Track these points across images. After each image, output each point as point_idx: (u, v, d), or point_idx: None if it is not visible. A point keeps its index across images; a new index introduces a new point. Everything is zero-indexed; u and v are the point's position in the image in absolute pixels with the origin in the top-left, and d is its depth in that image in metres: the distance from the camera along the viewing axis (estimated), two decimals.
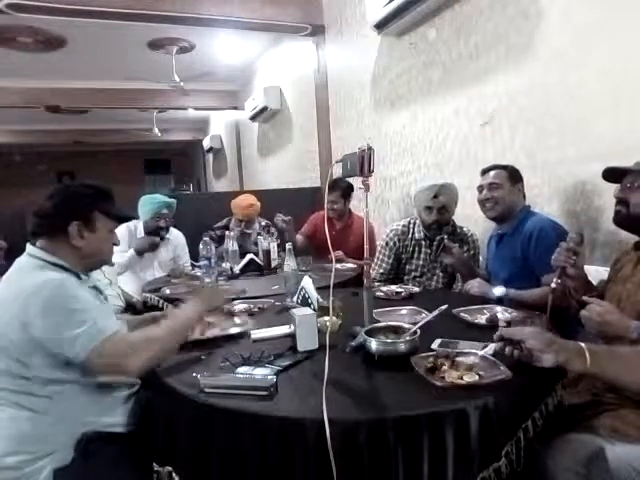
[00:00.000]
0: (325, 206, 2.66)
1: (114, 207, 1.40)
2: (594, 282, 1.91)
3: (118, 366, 1.19)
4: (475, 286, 1.93)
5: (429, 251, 2.38)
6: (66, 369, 1.19)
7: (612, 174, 1.43)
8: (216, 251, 2.85)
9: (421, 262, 2.41)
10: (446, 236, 2.18)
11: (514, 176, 1.97)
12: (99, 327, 1.17)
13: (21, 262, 1.29)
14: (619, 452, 1.08)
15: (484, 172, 2.04)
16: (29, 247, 1.30)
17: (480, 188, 2.02)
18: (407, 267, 2.44)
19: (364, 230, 1.43)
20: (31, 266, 1.25)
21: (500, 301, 1.76)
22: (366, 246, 1.43)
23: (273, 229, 3.42)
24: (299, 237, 3.29)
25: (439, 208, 2.29)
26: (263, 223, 3.51)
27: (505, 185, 1.94)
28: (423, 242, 2.40)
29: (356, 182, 1.49)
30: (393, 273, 2.46)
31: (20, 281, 1.22)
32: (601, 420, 1.19)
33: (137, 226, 3.03)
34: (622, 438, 1.13)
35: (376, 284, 2.27)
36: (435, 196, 2.28)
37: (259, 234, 3.30)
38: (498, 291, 1.81)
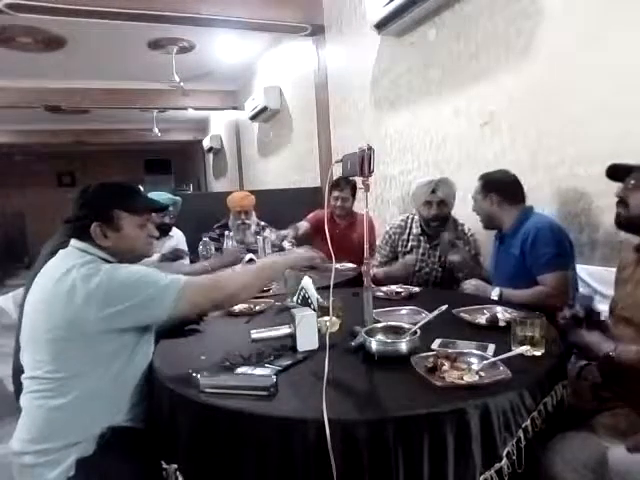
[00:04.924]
0: (330, 204, 2.67)
1: (138, 202, 1.39)
2: (593, 281, 1.92)
3: (213, 299, 1.32)
4: (472, 284, 1.98)
5: (427, 246, 2.41)
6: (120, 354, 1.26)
7: (616, 172, 1.40)
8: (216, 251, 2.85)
9: (420, 257, 2.42)
10: (447, 233, 2.24)
11: (486, 187, 2.02)
12: (172, 277, 1.27)
13: (68, 254, 1.31)
14: (619, 451, 1.08)
15: None
16: (73, 241, 1.33)
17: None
18: None
19: (365, 228, 1.43)
20: (77, 257, 1.28)
21: (499, 302, 1.78)
22: (366, 246, 1.43)
23: (269, 229, 3.44)
24: (304, 224, 3.26)
25: (438, 202, 2.32)
26: (262, 224, 3.51)
27: (477, 198, 2.04)
28: (421, 237, 2.43)
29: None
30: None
31: (70, 275, 1.22)
32: (601, 420, 1.19)
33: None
34: (622, 437, 1.13)
35: (374, 269, 2.35)
36: (433, 191, 2.31)
37: (258, 233, 3.30)
38: (495, 294, 1.86)
